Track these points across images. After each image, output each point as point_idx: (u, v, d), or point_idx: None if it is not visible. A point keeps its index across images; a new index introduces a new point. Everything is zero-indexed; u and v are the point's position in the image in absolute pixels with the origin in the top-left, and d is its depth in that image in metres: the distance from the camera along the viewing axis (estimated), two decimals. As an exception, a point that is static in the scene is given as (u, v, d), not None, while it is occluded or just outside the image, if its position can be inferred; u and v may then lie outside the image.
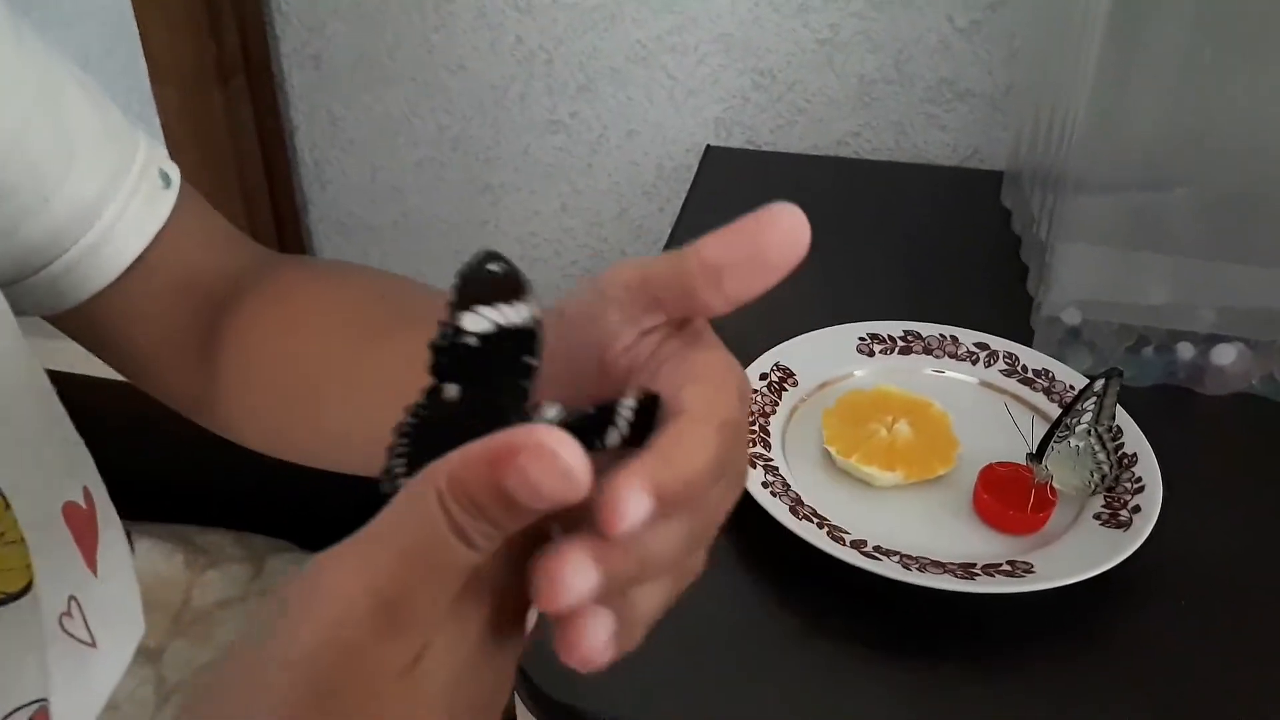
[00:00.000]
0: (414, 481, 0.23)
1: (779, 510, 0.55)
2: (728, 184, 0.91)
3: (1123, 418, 0.60)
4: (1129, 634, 0.53)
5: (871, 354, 0.68)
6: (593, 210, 1.07)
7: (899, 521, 0.58)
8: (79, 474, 0.44)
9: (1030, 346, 0.68)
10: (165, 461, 1.12)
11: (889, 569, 0.52)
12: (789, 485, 0.58)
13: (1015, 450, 0.59)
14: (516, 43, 0.99)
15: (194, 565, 1.13)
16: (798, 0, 0.91)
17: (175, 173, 0.48)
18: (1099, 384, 0.57)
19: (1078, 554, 0.54)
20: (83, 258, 0.44)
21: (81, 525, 0.43)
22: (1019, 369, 0.67)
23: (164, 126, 1.05)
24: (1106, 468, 0.57)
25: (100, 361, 0.49)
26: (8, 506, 0.38)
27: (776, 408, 0.64)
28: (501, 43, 1.00)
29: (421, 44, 1.02)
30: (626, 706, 0.50)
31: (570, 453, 0.21)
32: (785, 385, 0.65)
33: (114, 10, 1.02)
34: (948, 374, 0.68)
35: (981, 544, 0.56)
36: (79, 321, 0.46)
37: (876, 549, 0.54)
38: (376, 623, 0.23)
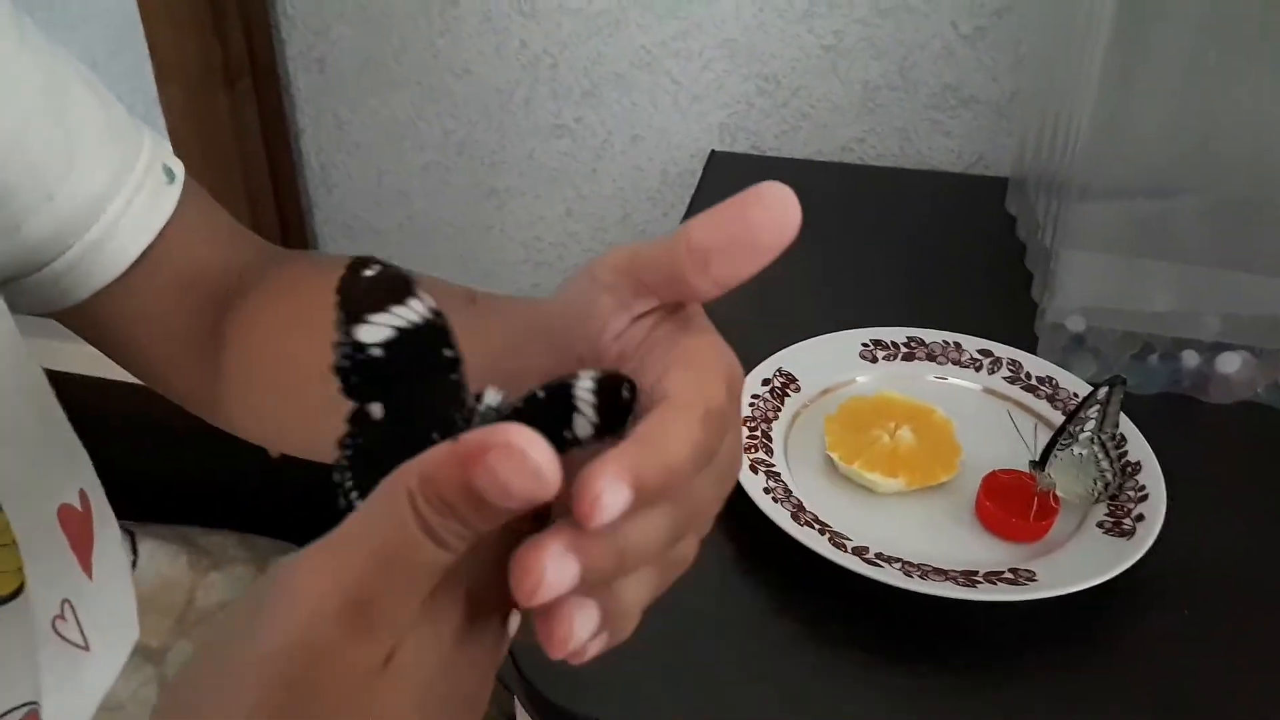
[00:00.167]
0: (386, 481, 0.23)
1: (780, 516, 0.55)
2: (732, 189, 0.90)
3: (1126, 426, 0.60)
4: (1131, 643, 0.53)
5: (874, 360, 0.68)
6: (597, 215, 1.07)
7: (901, 528, 0.57)
8: (76, 476, 0.44)
9: (1034, 353, 0.68)
10: (170, 463, 1.12)
11: (890, 576, 0.52)
12: (790, 491, 0.58)
13: (1018, 457, 0.58)
14: (521, 47, 0.99)
15: (198, 566, 1.14)
16: (802, 6, 0.91)
17: (179, 168, 0.48)
18: (1102, 392, 0.56)
19: (1080, 562, 0.54)
20: (86, 254, 0.44)
21: (77, 528, 0.43)
22: (1022, 376, 0.67)
23: (169, 129, 1.05)
24: (1110, 476, 0.56)
25: (107, 363, 0.49)
26: (0, 509, 0.38)
27: (779, 413, 0.63)
28: (507, 47, 1.00)
29: (427, 48, 1.02)
30: (626, 710, 0.50)
31: (539, 451, 0.21)
32: (788, 391, 0.65)
33: (120, 12, 1.02)
34: (951, 381, 0.67)
35: (984, 551, 0.56)
36: (84, 318, 0.46)
37: (878, 556, 0.54)
38: (347, 623, 0.22)
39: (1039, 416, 0.64)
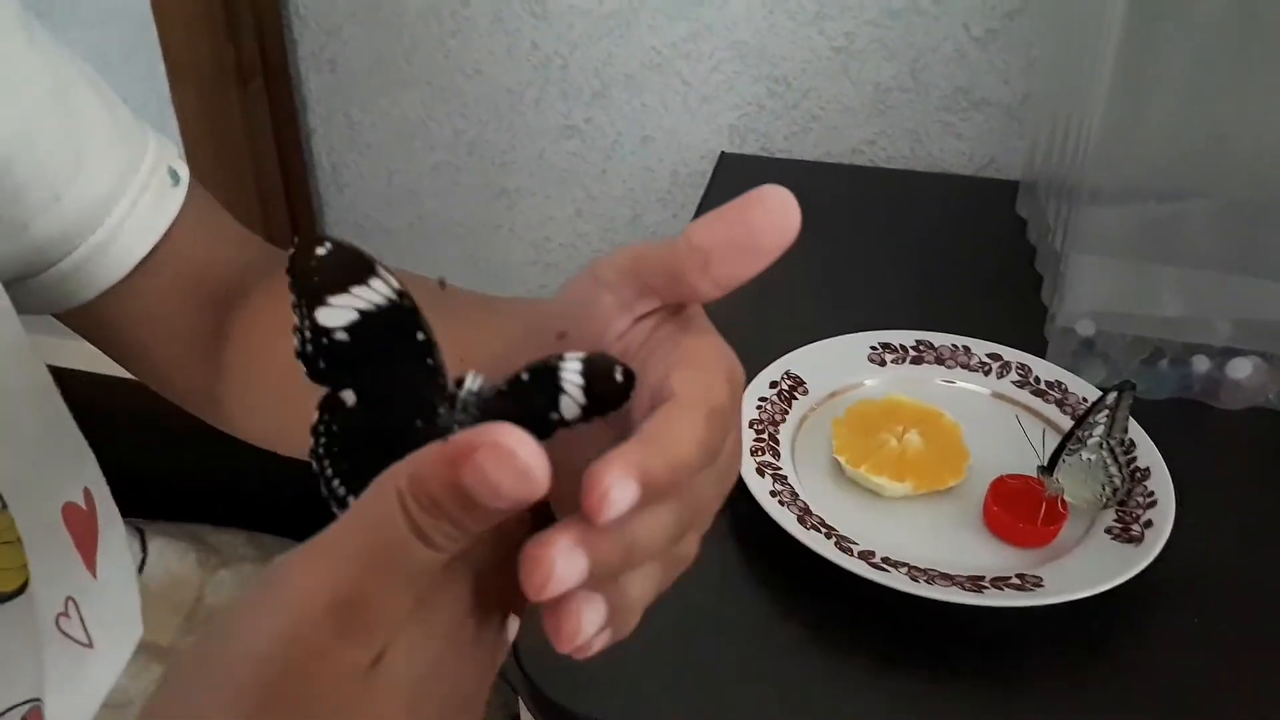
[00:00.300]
0: (376, 481, 0.23)
1: (786, 519, 0.55)
2: (742, 191, 0.90)
3: (1136, 431, 0.60)
4: (1139, 650, 0.53)
5: (883, 363, 0.68)
6: (607, 216, 1.07)
7: (908, 533, 0.57)
8: (81, 475, 0.44)
9: (1044, 358, 0.68)
10: (179, 461, 1.13)
11: (897, 580, 0.52)
12: (797, 494, 0.58)
13: (1026, 462, 0.58)
14: (532, 48, 1.00)
15: (206, 564, 1.14)
16: (813, 8, 0.91)
17: (184, 171, 0.48)
18: (1111, 397, 0.56)
19: (1088, 568, 0.53)
20: (92, 255, 0.44)
21: (81, 526, 0.43)
22: (1031, 380, 0.66)
23: (182, 129, 1.06)
24: (1118, 481, 0.56)
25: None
26: (4, 506, 0.38)
27: (786, 416, 0.63)
28: (518, 48, 1.00)
29: (438, 48, 1.03)
30: (629, 711, 0.50)
31: (528, 451, 0.21)
32: (795, 394, 0.65)
33: (134, 13, 1.03)
34: (959, 384, 0.67)
35: (991, 557, 0.56)
36: (88, 319, 0.46)
37: (884, 560, 0.54)
38: (335, 623, 0.22)
39: (1048, 421, 0.64)
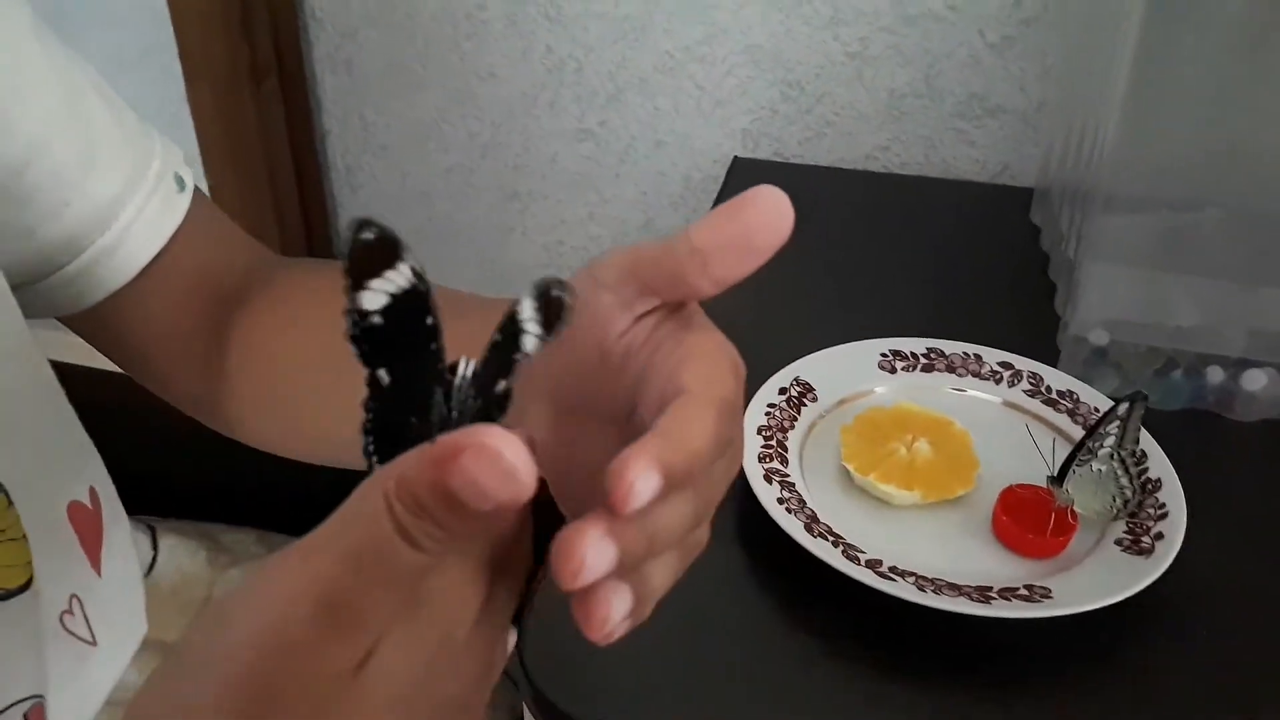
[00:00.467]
0: (364, 483, 0.23)
1: (793, 527, 0.55)
2: (754, 196, 0.91)
3: (1148, 442, 0.59)
4: (1148, 663, 0.52)
5: (893, 371, 0.68)
6: (619, 220, 1.07)
7: (916, 542, 0.57)
8: (86, 474, 0.44)
9: (1056, 367, 0.67)
10: (191, 460, 1.13)
11: (904, 590, 0.52)
12: (805, 502, 0.58)
13: (1037, 472, 0.58)
14: (547, 51, 1.00)
15: (216, 563, 1.14)
16: (828, 13, 0.90)
17: (189, 176, 0.48)
18: (1123, 408, 0.56)
19: (1097, 580, 0.53)
20: (99, 259, 0.45)
21: (86, 525, 0.43)
22: (1043, 389, 0.66)
23: (197, 129, 1.06)
24: (1129, 493, 0.56)
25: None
26: (10, 503, 0.38)
27: (795, 423, 0.63)
28: (532, 51, 1.00)
29: (453, 51, 1.03)
30: (634, 717, 0.50)
31: (514, 453, 0.21)
32: (804, 400, 0.65)
33: (151, 12, 1.03)
34: (970, 393, 0.67)
35: (999, 567, 0.56)
36: (92, 323, 0.47)
37: (892, 569, 0.54)
38: (319, 623, 0.23)
39: (1059, 431, 0.63)
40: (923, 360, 0.68)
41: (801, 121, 0.96)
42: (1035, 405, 0.65)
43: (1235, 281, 0.65)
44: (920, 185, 0.94)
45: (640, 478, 0.24)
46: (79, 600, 0.42)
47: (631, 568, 0.25)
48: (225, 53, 1.00)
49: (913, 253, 0.84)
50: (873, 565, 0.54)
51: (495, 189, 1.10)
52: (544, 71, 1.01)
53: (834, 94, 0.94)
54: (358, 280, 0.25)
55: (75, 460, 0.44)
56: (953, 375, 0.68)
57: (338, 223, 1.19)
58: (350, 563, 0.23)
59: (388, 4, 1.02)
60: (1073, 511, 0.56)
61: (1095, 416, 0.63)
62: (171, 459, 1.08)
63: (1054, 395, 0.65)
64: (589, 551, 0.24)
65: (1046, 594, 0.52)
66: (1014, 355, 0.68)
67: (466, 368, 0.27)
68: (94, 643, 0.43)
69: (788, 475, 0.59)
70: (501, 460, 0.21)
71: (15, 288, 0.43)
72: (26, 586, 0.38)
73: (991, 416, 0.65)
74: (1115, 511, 0.56)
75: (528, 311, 0.26)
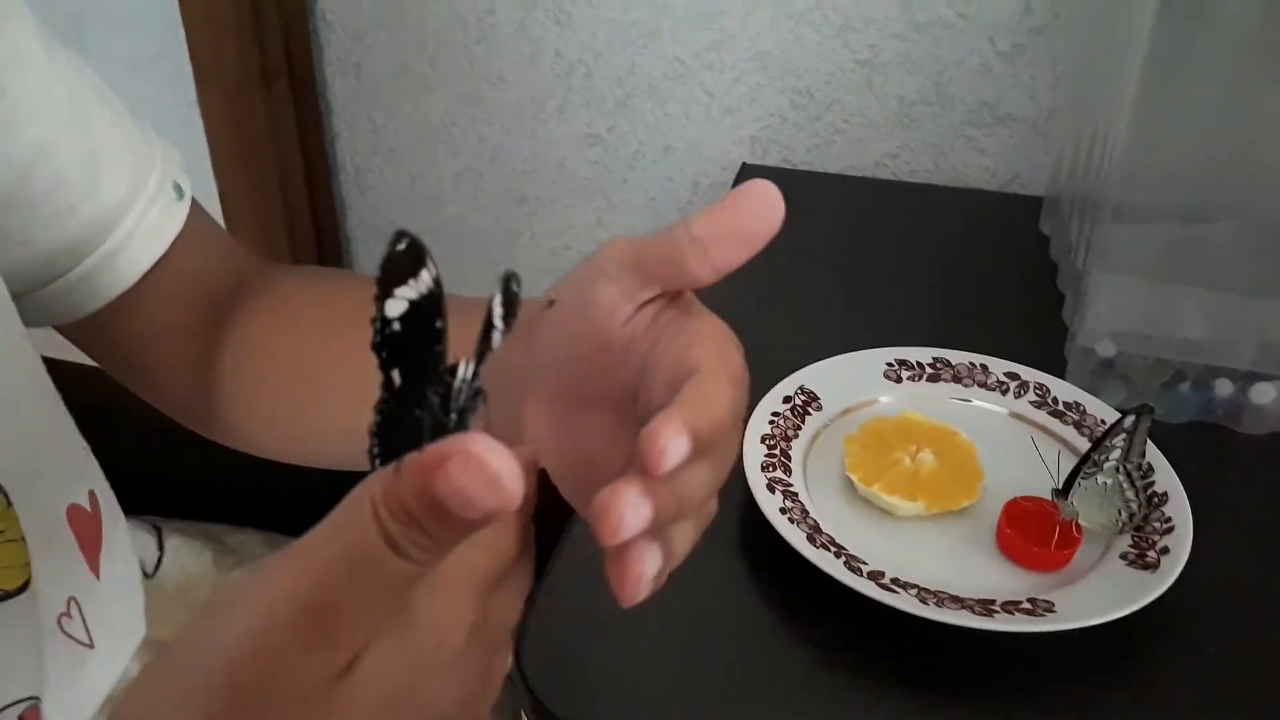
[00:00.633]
0: (353, 491, 0.23)
1: (796, 537, 0.54)
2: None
3: (1154, 455, 0.59)
4: (1152, 679, 0.52)
5: (899, 380, 0.67)
6: (627, 225, 1.07)
7: (919, 553, 0.56)
8: (85, 478, 0.45)
9: (1063, 378, 0.67)
10: (197, 461, 1.13)
11: (906, 602, 0.51)
12: (808, 512, 0.57)
13: (1042, 484, 0.57)
14: (556, 56, 1.00)
15: (222, 564, 1.15)
16: (838, 20, 0.90)
17: (187, 185, 0.49)
18: (1129, 420, 0.55)
19: (1101, 594, 0.52)
20: (101, 265, 0.45)
21: (85, 528, 0.43)
22: (1049, 400, 0.65)
23: (208, 131, 1.07)
24: (1135, 506, 0.55)
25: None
26: (9, 504, 0.39)
27: (799, 432, 0.63)
28: (541, 56, 1.00)
29: (463, 55, 1.03)
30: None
31: (500, 461, 0.22)
32: (809, 409, 0.64)
33: (163, 16, 1.04)
34: (976, 403, 0.66)
35: (1003, 580, 0.55)
36: (89, 331, 0.47)
37: (894, 581, 0.53)
38: (301, 629, 0.23)
39: (1065, 442, 0.63)
40: (928, 370, 0.68)
41: (810, 129, 0.96)
42: (1041, 416, 0.65)
43: (1245, 293, 0.64)
44: (929, 193, 0.93)
45: (672, 441, 0.26)
46: (77, 603, 0.42)
47: (661, 528, 0.27)
48: (236, 56, 1.00)
49: (921, 261, 0.83)
50: (875, 577, 0.53)
51: (504, 193, 1.10)
52: (553, 76, 1.01)
53: (843, 101, 0.94)
54: (387, 289, 0.26)
55: (74, 464, 0.44)
56: (958, 385, 0.67)
57: (347, 225, 1.19)
58: (337, 569, 0.23)
59: (398, 8, 1.02)
60: (1078, 525, 0.56)
61: (1101, 428, 0.62)
62: (178, 460, 1.08)
63: (1060, 407, 0.65)
64: (628, 510, 0.25)
65: (1050, 608, 0.52)
66: (1020, 366, 0.67)
67: (467, 369, 0.27)
68: (91, 645, 0.43)
69: (791, 485, 0.59)
70: (487, 468, 0.21)
71: (17, 296, 0.43)
72: (24, 588, 0.39)
73: (997, 427, 0.64)
74: (1121, 525, 0.55)
75: (497, 309, 0.27)
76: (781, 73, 0.94)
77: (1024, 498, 0.57)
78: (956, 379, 0.67)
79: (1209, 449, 0.65)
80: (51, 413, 0.43)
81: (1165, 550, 0.54)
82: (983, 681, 0.52)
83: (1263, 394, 0.65)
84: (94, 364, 0.55)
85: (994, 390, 0.67)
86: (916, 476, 0.59)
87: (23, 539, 0.39)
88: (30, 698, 0.39)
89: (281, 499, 1.13)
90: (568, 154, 1.05)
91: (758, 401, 0.63)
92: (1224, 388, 0.66)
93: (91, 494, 0.44)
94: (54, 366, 0.48)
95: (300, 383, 0.45)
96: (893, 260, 0.83)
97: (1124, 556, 0.55)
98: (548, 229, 1.10)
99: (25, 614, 0.39)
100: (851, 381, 0.66)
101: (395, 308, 0.26)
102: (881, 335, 0.69)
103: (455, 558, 0.25)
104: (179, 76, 1.05)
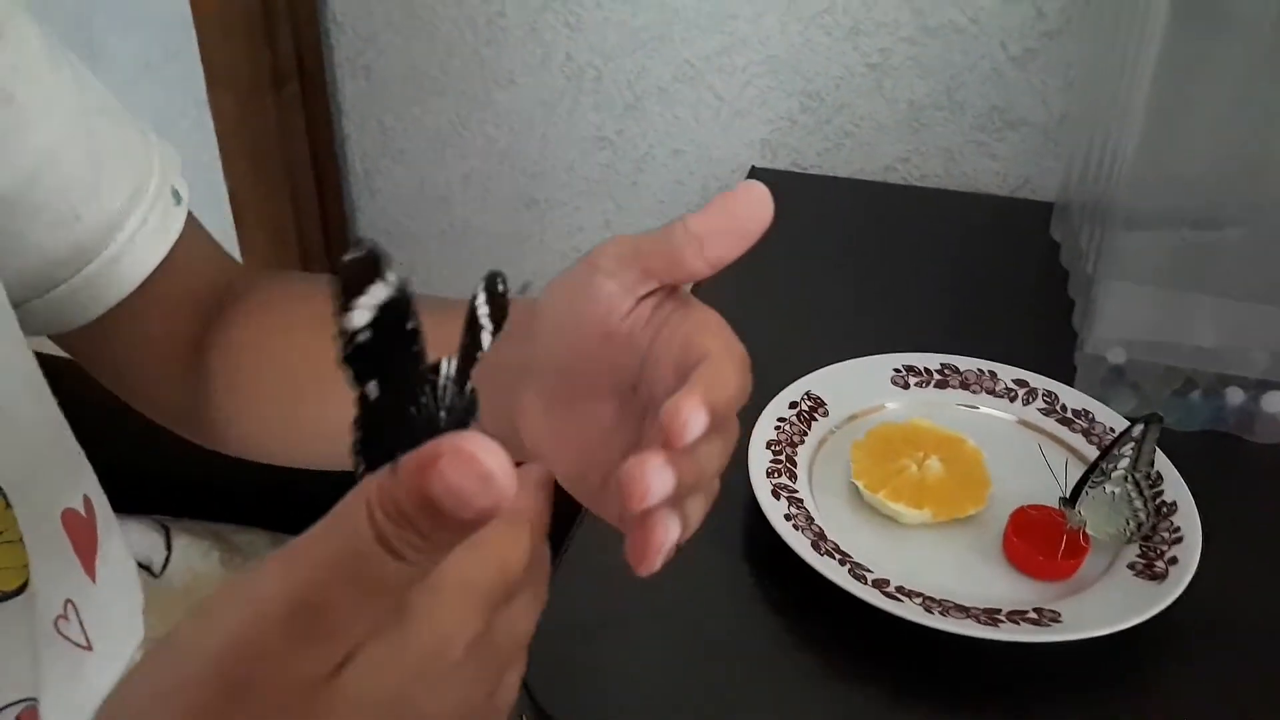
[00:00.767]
0: (351, 492, 0.23)
1: (800, 544, 0.54)
2: (774, 206, 0.90)
3: (1164, 464, 0.58)
4: (1158, 692, 0.51)
5: (906, 386, 0.67)
6: (636, 228, 1.05)
7: (925, 561, 0.56)
8: (80, 483, 0.45)
9: (1072, 385, 0.66)
10: (205, 461, 1.14)
11: (910, 611, 0.51)
12: (813, 519, 0.57)
13: (1050, 492, 0.57)
14: (566, 59, 1.00)
15: (229, 564, 1.15)
16: (849, 24, 0.90)
17: (184, 190, 0.49)
18: (1137, 429, 0.55)
19: (1108, 605, 0.52)
20: (102, 271, 0.45)
21: (80, 532, 0.43)
22: (1058, 408, 0.65)
23: (218, 132, 1.07)
24: (1143, 516, 0.55)
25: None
26: (8, 505, 0.39)
27: (805, 438, 0.62)
28: (552, 59, 1.00)
29: (473, 57, 1.03)
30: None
31: (492, 458, 0.21)
32: (815, 415, 0.64)
33: (175, 18, 1.04)
34: (983, 410, 0.66)
35: (1009, 589, 0.55)
36: (84, 339, 0.47)
37: (899, 589, 0.53)
38: (292, 625, 0.23)
39: (1073, 450, 0.62)
40: (936, 376, 0.67)
41: (820, 132, 0.96)
42: (1050, 424, 0.64)
43: (1257, 301, 0.63)
44: (939, 198, 0.93)
45: (694, 415, 0.28)
46: (74, 605, 0.42)
47: (680, 498, 0.29)
48: (247, 58, 1.01)
49: (930, 266, 0.83)
50: (879, 585, 0.53)
51: (513, 196, 1.10)
52: (563, 79, 1.01)
53: (853, 105, 0.93)
54: (346, 301, 0.25)
55: (69, 469, 0.44)
56: (966, 392, 0.67)
57: (356, 227, 1.19)
58: (329, 568, 0.23)
59: (408, 9, 1.02)
60: (1085, 534, 0.55)
61: (1110, 436, 0.62)
62: (186, 460, 1.09)
63: (1069, 414, 0.64)
64: (654, 476, 0.27)
65: (1056, 618, 0.51)
66: (1029, 373, 0.67)
67: (449, 366, 0.27)
68: (89, 647, 0.43)
69: (796, 491, 0.58)
70: (479, 464, 0.21)
71: (17, 304, 0.43)
72: (22, 589, 0.39)
73: (1005, 434, 0.64)
74: (1128, 535, 0.55)
75: (482, 306, 0.27)
76: (792, 76, 0.94)
77: (1031, 506, 0.57)
78: (964, 385, 0.67)
79: (1219, 458, 0.64)
80: (47, 417, 0.43)
81: (1174, 561, 0.53)
82: (987, 692, 0.51)
83: (1274, 403, 0.64)
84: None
85: (1002, 397, 0.66)
86: (923, 484, 0.59)
87: (21, 541, 0.39)
88: (28, 699, 0.39)
89: (289, 500, 1.13)
90: (577, 157, 1.05)
91: (764, 407, 0.62)
92: (1235, 396, 0.65)
93: (86, 499, 0.44)
94: (63, 367, 0.48)
95: (296, 384, 0.45)
96: (902, 265, 0.83)
97: (1132, 566, 0.54)
98: (557, 231, 1.10)
99: (22, 616, 0.39)
100: (858, 387, 0.66)
101: (359, 318, 0.25)
102: (889, 340, 0.69)
103: (459, 566, 0.25)
104: (190, 78, 1.06)
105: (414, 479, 0.22)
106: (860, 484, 0.59)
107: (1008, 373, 0.67)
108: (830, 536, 0.56)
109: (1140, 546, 0.55)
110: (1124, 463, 0.55)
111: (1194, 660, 0.52)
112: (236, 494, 1.18)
